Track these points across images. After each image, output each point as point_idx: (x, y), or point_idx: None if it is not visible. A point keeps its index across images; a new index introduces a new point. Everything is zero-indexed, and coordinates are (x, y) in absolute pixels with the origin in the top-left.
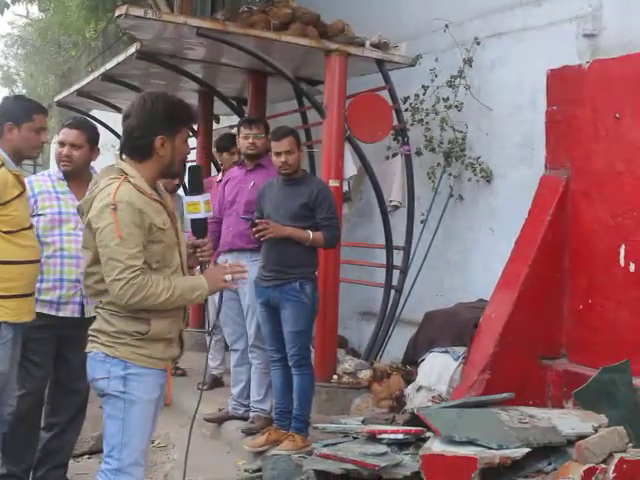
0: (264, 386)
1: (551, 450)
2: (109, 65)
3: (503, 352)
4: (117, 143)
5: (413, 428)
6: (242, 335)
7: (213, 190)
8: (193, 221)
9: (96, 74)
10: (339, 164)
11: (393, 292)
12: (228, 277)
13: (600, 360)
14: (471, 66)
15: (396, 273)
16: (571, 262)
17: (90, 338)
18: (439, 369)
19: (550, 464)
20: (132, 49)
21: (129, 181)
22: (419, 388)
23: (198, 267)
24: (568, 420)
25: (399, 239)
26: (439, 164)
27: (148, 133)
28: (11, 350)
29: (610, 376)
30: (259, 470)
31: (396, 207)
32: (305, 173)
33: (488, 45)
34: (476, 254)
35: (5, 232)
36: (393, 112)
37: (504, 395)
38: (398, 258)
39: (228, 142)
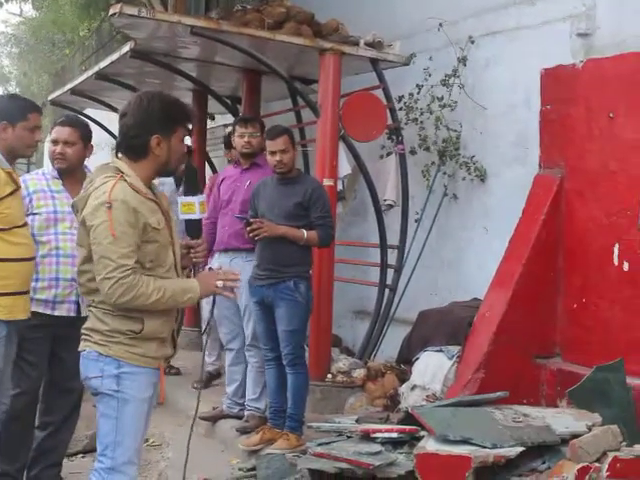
0: (260, 385)
1: (545, 449)
2: (103, 64)
3: (497, 351)
4: (111, 142)
5: (407, 427)
6: (238, 334)
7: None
8: (187, 222)
9: (90, 73)
10: (333, 163)
11: (387, 291)
12: (220, 283)
13: (594, 359)
14: (465, 65)
15: (390, 272)
16: (565, 261)
17: (83, 337)
18: (433, 368)
19: (544, 463)
20: (126, 48)
21: (125, 180)
22: (413, 387)
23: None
24: (562, 419)
25: (393, 238)
26: (433, 163)
27: (144, 132)
28: (4, 348)
29: (604, 375)
30: (253, 469)
31: (390, 206)
32: (299, 172)
33: (482, 44)
34: (470, 253)
35: None
36: (387, 111)
37: (498, 394)
38: (392, 257)
39: None
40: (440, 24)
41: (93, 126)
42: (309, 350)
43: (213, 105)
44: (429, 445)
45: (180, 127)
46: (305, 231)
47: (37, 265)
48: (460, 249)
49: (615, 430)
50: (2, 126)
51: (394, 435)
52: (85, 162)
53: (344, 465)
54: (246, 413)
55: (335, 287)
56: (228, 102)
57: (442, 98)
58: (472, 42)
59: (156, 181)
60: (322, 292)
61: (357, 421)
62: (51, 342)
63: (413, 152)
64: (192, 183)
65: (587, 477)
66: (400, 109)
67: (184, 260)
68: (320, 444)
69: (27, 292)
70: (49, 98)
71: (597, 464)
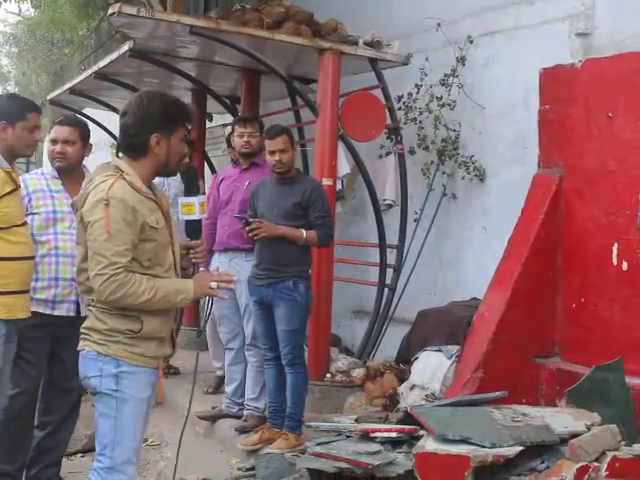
0: (259, 384)
1: (544, 448)
2: (102, 63)
3: (496, 350)
4: (110, 141)
5: (406, 426)
6: (238, 334)
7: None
8: (187, 222)
9: (89, 72)
10: (332, 163)
11: (386, 290)
12: (214, 284)
13: (593, 358)
14: (464, 65)
15: (389, 271)
16: (564, 261)
17: (82, 336)
18: (432, 368)
19: (543, 462)
20: (125, 47)
21: (124, 178)
22: (412, 387)
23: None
24: (561, 418)
25: (392, 237)
26: (432, 163)
27: (143, 131)
28: (4, 347)
29: (603, 374)
30: (252, 468)
31: (390, 206)
32: (298, 172)
33: (481, 44)
34: (469, 252)
35: None
36: (386, 111)
37: (497, 393)
38: (391, 256)
39: None
40: (439, 24)
41: (92, 126)
42: (308, 350)
43: (212, 105)
44: (428, 444)
45: (180, 127)
46: (304, 231)
47: (37, 265)
48: (459, 249)
49: (614, 429)
50: (2, 126)
51: (393, 435)
52: (84, 162)
53: (343, 465)
54: (245, 413)
55: (334, 287)
56: (227, 102)
57: (441, 98)
58: (471, 42)
59: (159, 180)
60: (321, 292)
61: (356, 421)
62: (50, 342)
63: (412, 152)
64: (192, 183)
65: (586, 476)
66: (399, 109)
67: (184, 261)
68: (319, 444)
69: (27, 291)
70: (48, 97)
71: (596, 463)
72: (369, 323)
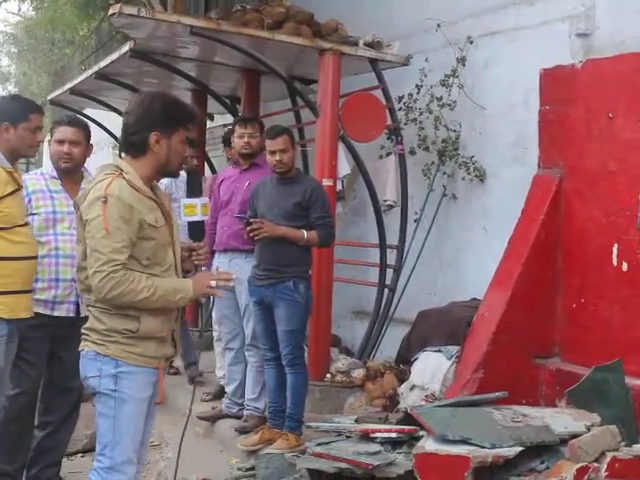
0: (259, 385)
1: (544, 449)
2: (102, 63)
3: (496, 351)
4: (110, 142)
5: (406, 427)
6: (238, 334)
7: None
8: (189, 224)
9: (89, 72)
10: (333, 163)
11: (386, 291)
12: (213, 283)
13: (593, 359)
14: (464, 65)
15: (389, 272)
16: (564, 261)
17: (83, 337)
18: (432, 368)
19: (543, 463)
20: (125, 48)
21: (123, 177)
22: (412, 387)
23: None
24: (561, 419)
25: (393, 238)
26: (433, 163)
27: (143, 129)
28: (5, 346)
29: (603, 375)
30: (252, 469)
31: (391, 206)
32: (299, 172)
33: (481, 44)
34: (469, 253)
35: None
36: (387, 111)
37: (497, 394)
38: (392, 257)
39: None
40: (439, 24)
41: (92, 126)
42: (308, 350)
43: (212, 105)
44: (428, 445)
45: (181, 127)
46: (305, 231)
47: (37, 265)
48: (459, 249)
49: (614, 430)
50: (4, 127)
51: (393, 435)
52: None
53: (343, 465)
54: (245, 413)
55: (334, 287)
56: (227, 102)
57: (441, 98)
58: (471, 42)
59: (166, 182)
60: (321, 292)
61: (356, 421)
62: (50, 342)
63: (412, 152)
64: (195, 185)
65: (586, 477)
66: (399, 109)
67: (186, 263)
68: (319, 444)
69: (29, 291)
70: (48, 98)
71: (596, 464)
72: (369, 323)
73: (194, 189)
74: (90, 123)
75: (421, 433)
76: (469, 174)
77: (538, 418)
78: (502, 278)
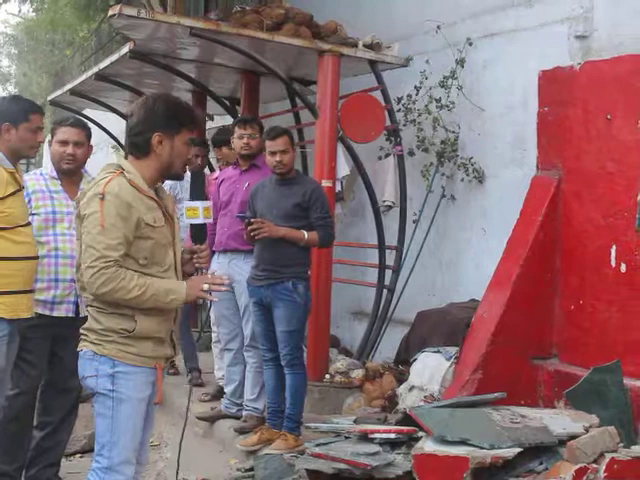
0: (258, 385)
1: (542, 450)
2: (102, 64)
3: (495, 352)
4: (110, 142)
5: (405, 428)
6: (237, 335)
7: (211, 188)
8: (191, 226)
9: (89, 73)
10: (332, 164)
11: (385, 292)
12: (205, 287)
13: (591, 360)
14: (463, 67)
15: (388, 273)
16: (562, 262)
17: (81, 337)
18: (431, 369)
19: (541, 464)
20: (125, 49)
21: (124, 176)
22: (411, 388)
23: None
24: (559, 420)
25: (391, 239)
26: (432, 164)
27: (146, 129)
28: (6, 346)
29: (601, 376)
30: (251, 469)
31: (390, 207)
32: (298, 173)
33: (480, 46)
34: (468, 254)
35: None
36: (386, 112)
37: (496, 395)
38: (390, 258)
39: (227, 134)
40: (438, 26)
41: (92, 126)
42: (307, 351)
43: (212, 106)
44: (427, 446)
45: (184, 129)
46: (305, 232)
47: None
48: (458, 250)
49: (612, 431)
50: (5, 127)
51: (392, 436)
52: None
53: (342, 465)
54: (244, 413)
55: (333, 288)
56: (227, 103)
57: (440, 99)
58: (470, 44)
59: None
60: (320, 293)
61: (355, 422)
62: (50, 342)
63: (411, 153)
64: (198, 187)
65: (584, 478)
66: (398, 110)
67: (187, 266)
68: (318, 444)
69: (31, 291)
70: (48, 98)
71: (594, 465)
72: (368, 324)
73: (197, 191)
74: (90, 124)
75: (420, 434)
76: (468, 175)
77: (537, 419)
78: (501, 279)
